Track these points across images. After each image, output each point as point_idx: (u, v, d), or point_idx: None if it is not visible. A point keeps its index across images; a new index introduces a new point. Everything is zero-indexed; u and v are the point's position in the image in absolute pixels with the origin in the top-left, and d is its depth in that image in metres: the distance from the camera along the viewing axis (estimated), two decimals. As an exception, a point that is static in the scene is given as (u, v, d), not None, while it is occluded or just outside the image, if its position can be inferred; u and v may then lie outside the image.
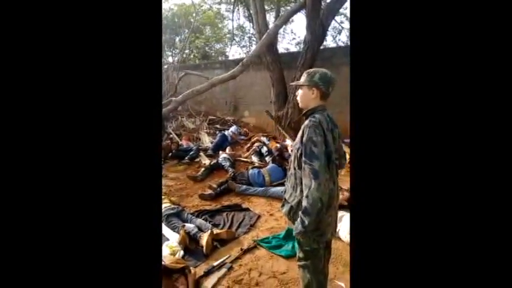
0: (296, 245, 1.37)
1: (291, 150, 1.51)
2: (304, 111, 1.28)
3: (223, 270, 1.89)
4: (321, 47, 4.97)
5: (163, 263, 1.71)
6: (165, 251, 2.02)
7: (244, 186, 3.19)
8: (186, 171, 3.96)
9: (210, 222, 2.52)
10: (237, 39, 9.08)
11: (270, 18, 6.96)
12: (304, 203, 1.13)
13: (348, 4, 5.31)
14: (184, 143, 4.91)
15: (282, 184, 3.13)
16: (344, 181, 2.94)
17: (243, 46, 9.37)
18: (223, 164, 3.88)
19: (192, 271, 1.78)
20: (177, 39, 9.83)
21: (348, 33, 7.70)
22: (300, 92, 1.30)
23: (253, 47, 6.93)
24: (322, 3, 4.90)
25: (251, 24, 7.76)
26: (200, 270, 1.88)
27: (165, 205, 2.56)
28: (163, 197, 2.75)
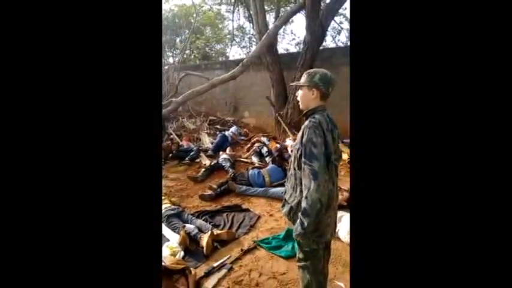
0: (296, 245, 1.38)
1: (291, 151, 1.51)
2: (304, 112, 1.29)
3: (224, 271, 1.89)
4: (321, 48, 4.98)
5: (163, 263, 1.71)
6: (166, 251, 2.02)
7: (244, 187, 3.19)
8: (187, 172, 3.96)
9: (210, 222, 2.52)
10: (237, 39, 9.10)
11: (270, 18, 6.97)
12: (304, 204, 1.14)
13: (347, 5, 5.33)
14: (184, 143, 4.92)
15: (282, 185, 3.13)
16: (343, 181, 2.95)
17: (243, 47, 9.39)
18: (223, 164, 3.89)
19: (193, 272, 1.78)
20: (178, 39, 9.85)
21: (347, 34, 7.72)
22: (300, 93, 1.30)
23: (253, 48, 6.94)
24: (322, 4, 4.92)
25: (251, 24, 7.76)
26: (200, 271, 1.89)
27: (166, 206, 2.57)
28: (163, 197, 2.75)
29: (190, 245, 2.13)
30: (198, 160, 4.40)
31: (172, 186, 3.48)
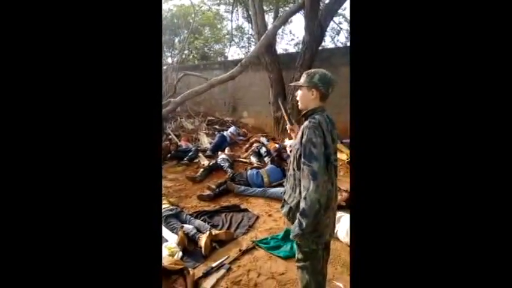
0: (295, 246, 1.37)
1: (290, 151, 1.51)
2: (303, 112, 1.28)
3: (222, 271, 1.89)
4: (320, 48, 4.98)
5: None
6: (164, 252, 2.01)
7: (243, 187, 3.18)
8: (185, 172, 3.96)
9: (208, 223, 2.51)
10: (236, 40, 9.08)
11: (269, 19, 6.96)
12: (302, 205, 1.13)
13: (346, 5, 5.33)
14: (183, 143, 4.91)
15: (281, 185, 3.13)
16: (342, 182, 2.95)
17: (242, 47, 9.37)
18: (222, 164, 3.88)
19: (191, 272, 1.78)
20: (176, 40, 9.83)
21: (346, 34, 7.72)
22: (299, 93, 1.29)
23: (252, 48, 6.93)
24: (321, 4, 4.92)
25: (250, 25, 7.76)
26: (199, 271, 1.88)
27: (164, 206, 2.56)
28: (162, 198, 2.74)
29: (188, 245, 2.13)
30: (196, 160, 4.39)
31: (171, 186, 3.47)
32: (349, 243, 2.07)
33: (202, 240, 2.09)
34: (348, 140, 4.04)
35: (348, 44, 6.80)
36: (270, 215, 2.69)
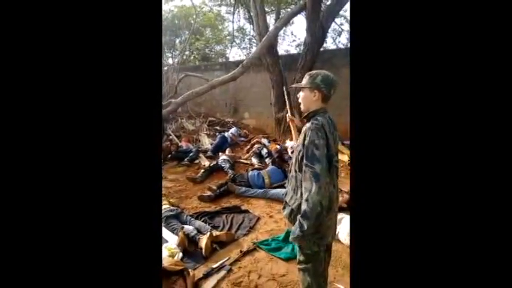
0: (296, 247, 1.36)
1: (291, 152, 1.50)
2: (305, 114, 1.28)
3: (223, 272, 1.88)
4: (321, 49, 4.99)
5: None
6: (164, 253, 2.00)
7: (243, 188, 3.18)
8: (186, 173, 3.96)
9: (209, 224, 2.51)
10: (237, 41, 9.10)
11: (270, 20, 6.98)
12: (304, 207, 1.12)
13: (347, 6, 5.33)
14: (183, 144, 4.91)
15: (282, 186, 3.12)
16: (343, 183, 2.94)
17: (243, 48, 9.39)
18: (222, 165, 3.88)
19: (191, 273, 1.77)
20: (177, 40, 9.85)
21: (347, 36, 7.72)
22: (301, 95, 1.29)
23: (254, 49, 6.95)
24: (322, 6, 4.92)
25: (251, 26, 7.76)
26: (199, 272, 1.87)
27: (164, 207, 2.55)
28: (162, 198, 2.74)
29: (189, 246, 2.12)
30: (197, 161, 4.39)
31: (171, 187, 3.47)
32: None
33: (203, 241, 2.08)
34: (349, 142, 4.04)
35: (349, 45, 6.80)
36: (271, 216, 2.68)
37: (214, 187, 3.20)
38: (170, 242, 2.14)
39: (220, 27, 9.81)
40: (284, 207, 1.33)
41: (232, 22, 8.13)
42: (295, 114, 1.81)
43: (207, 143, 5.22)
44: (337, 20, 7.25)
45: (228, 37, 9.49)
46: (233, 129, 5.44)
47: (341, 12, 6.40)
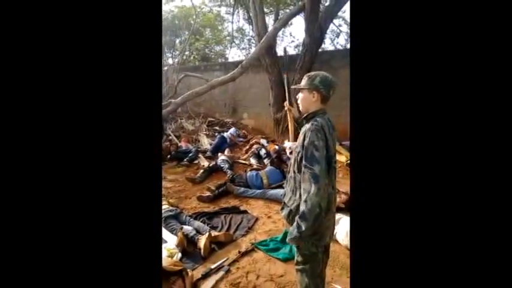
0: (294, 248, 1.37)
1: (290, 153, 1.51)
2: (304, 115, 1.28)
3: (221, 273, 1.88)
4: (319, 50, 4.99)
5: (160, 265, 1.70)
6: (163, 253, 2.01)
7: (242, 189, 3.18)
8: (185, 173, 3.96)
9: (208, 224, 2.51)
10: (237, 41, 9.09)
11: (269, 20, 6.97)
12: (303, 208, 1.13)
13: (346, 7, 5.35)
14: (183, 144, 4.91)
15: (280, 186, 3.13)
16: (341, 184, 2.94)
17: (243, 48, 9.39)
18: (221, 166, 3.88)
19: (190, 274, 1.77)
20: (177, 41, 9.83)
21: (346, 37, 7.74)
22: (300, 96, 1.29)
23: (253, 50, 6.95)
24: (321, 7, 4.93)
25: (250, 26, 7.77)
26: (198, 272, 1.88)
27: (164, 207, 2.55)
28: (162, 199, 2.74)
29: (187, 246, 2.12)
30: (196, 161, 4.39)
31: (171, 187, 3.47)
32: (348, 245, 2.06)
33: (202, 241, 2.09)
34: (347, 142, 4.05)
35: (348, 46, 6.82)
36: (269, 217, 2.68)
37: (213, 187, 3.21)
38: (169, 242, 2.15)
39: (219, 27, 9.81)
40: (282, 208, 1.33)
41: (232, 23, 8.13)
42: (294, 104, 1.81)
43: (206, 143, 5.22)
44: (336, 21, 7.26)
45: (227, 37, 9.49)
46: (232, 130, 5.45)
47: (339, 14, 6.42)
